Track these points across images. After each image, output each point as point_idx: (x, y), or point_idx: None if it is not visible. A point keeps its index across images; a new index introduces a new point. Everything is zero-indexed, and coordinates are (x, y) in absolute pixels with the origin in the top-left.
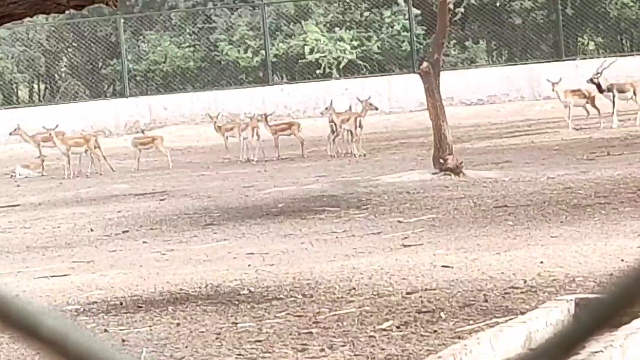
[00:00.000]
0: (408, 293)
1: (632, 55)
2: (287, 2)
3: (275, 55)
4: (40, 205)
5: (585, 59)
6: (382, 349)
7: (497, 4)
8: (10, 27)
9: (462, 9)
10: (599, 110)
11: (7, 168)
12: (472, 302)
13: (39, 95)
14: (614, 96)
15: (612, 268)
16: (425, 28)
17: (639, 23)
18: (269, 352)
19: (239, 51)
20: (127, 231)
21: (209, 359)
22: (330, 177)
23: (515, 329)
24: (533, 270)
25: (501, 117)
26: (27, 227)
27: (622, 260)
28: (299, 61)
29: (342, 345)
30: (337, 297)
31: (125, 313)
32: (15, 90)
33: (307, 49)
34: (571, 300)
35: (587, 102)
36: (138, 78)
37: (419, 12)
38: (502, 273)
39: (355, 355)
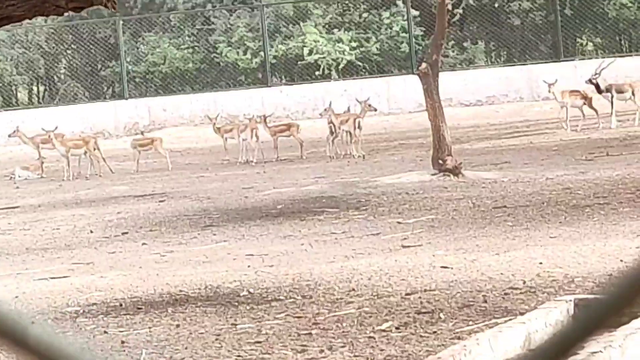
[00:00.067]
0: (407, 294)
1: (631, 55)
2: (286, 3)
3: (274, 57)
4: (39, 207)
5: (584, 59)
6: (382, 350)
7: (496, 5)
8: (9, 29)
9: (460, 10)
10: (596, 111)
11: (7, 170)
12: (472, 303)
13: (38, 97)
14: (612, 97)
15: (611, 268)
16: (424, 29)
17: (638, 23)
18: (269, 353)
19: (238, 53)
20: (126, 233)
21: None
22: (330, 178)
23: (515, 329)
24: (532, 271)
25: (500, 118)
26: (26, 229)
27: (621, 260)
28: (298, 62)
29: (342, 346)
30: (337, 298)
31: (124, 314)
32: (14, 92)
33: (306, 50)
34: (570, 300)
35: (584, 104)
36: (137, 80)
37: (417, 13)
38: (502, 274)
39: (355, 356)
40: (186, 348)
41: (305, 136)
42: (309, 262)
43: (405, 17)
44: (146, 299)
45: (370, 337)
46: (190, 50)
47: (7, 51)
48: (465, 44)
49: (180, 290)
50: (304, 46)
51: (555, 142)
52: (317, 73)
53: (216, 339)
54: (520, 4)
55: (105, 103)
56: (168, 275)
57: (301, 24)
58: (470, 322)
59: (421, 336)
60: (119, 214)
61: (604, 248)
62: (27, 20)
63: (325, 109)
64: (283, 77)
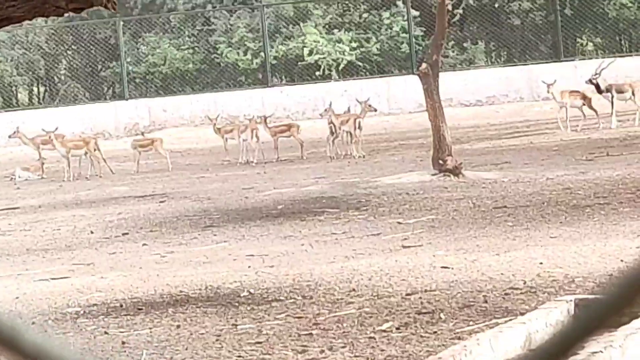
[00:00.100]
0: (408, 294)
1: (631, 55)
2: (286, 4)
3: (275, 57)
4: (40, 208)
5: (584, 59)
6: (382, 350)
7: (496, 5)
8: (9, 30)
9: (460, 10)
10: (596, 112)
11: (7, 171)
12: (472, 303)
13: (39, 98)
14: (612, 97)
15: (611, 268)
16: (424, 29)
17: (638, 23)
18: (269, 354)
19: (238, 53)
20: (127, 233)
21: None
22: (330, 179)
23: (515, 329)
24: (532, 271)
25: (500, 118)
26: (27, 230)
27: (622, 260)
28: (298, 63)
29: (342, 347)
30: (337, 299)
31: (125, 315)
32: (14, 93)
33: (306, 51)
34: (571, 300)
35: (584, 104)
36: (137, 80)
37: (417, 13)
38: (502, 274)
39: (355, 356)
40: (187, 349)
41: (305, 136)
42: (309, 262)
43: (406, 18)
44: (147, 299)
45: (370, 337)
46: (191, 50)
47: (8, 52)
48: (465, 44)
49: (181, 291)
50: (304, 46)
51: (555, 142)
52: (317, 73)
53: (217, 340)
54: (520, 4)
55: (106, 104)
56: (168, 276)
57: (301, 24)
58: (471, 322)
59: (422, 336)
60: (120, 215)
61: (604, 248)
62: (27, 21)
63: (325, 110)
64: (283, 77)
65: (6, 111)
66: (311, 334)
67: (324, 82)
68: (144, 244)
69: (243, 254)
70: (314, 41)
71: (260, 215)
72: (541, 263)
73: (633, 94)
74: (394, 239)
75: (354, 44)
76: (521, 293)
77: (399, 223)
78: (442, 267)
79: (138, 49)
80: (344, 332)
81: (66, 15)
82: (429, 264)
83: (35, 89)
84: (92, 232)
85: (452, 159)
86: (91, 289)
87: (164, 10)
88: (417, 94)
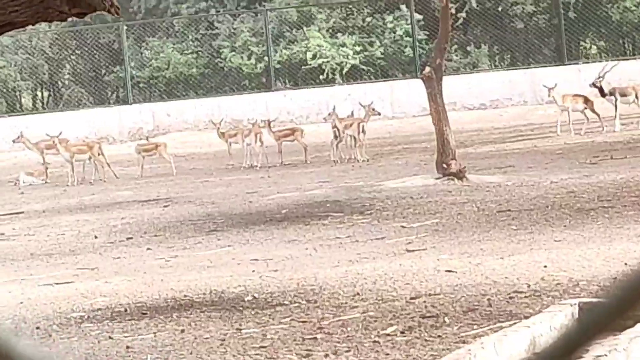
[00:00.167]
0: (412, 298)
1: (634, 58)
2: (290, 8)
3: (278, 61)
4: (44, 213)
5: (587, 63)
6: (387, 354)
7: (499, 9)
8: (13, 34)
9: (464, 14)
10: (598, 115)
11: (11, 175)
12: (476, 307)
13: (43, 103)
14: (616, 100)
15: (615, 272)
16: (427, 33)
17: None
18: (273, 358)
19: (242, 57)
20: (131, 238)
21: None
22: (334, 183)
23: (519, 333)
24: (537, 275)
25: (504, 122)
26: (31, 235)
27: (626, 264)
28: (302, 67)
29: (347, 351)
30: (341, 303)
31: (129, 320)
32: (18, 97)
33: (309, 55)
34: (575, 304)
35: (586, 107)
36: (141, 85)
37: (421, 17)
38: (506, 277)
39: None
40: (191, 353)
41: (309, 140)
42: (313, 266)
43: (409, 21)
44: (151, 304)
45: (375, 341)
46: (194, 55)
47: (11, 57)
48: (468, 48)
49: (185, 295)
50: (308, 51)
51: (559, 146)
52: (321, 77)
53: (221, 344)
54: (523, 8)
55: (110, 108)
56: (173, 281)
57: (305, 28)
58: (475, 326)
59: (426, 340)
60: (124, 219)
61: (608, 251)
62: (30, 26)
63: (329, 114)
64: (287, 81)
65: (10, 116)
66: (315, 338)
67: (328, 86)
68: (148, 249)
69: (247, 258)
70: (318, 45)
71: (264, 220)
72: (545, 266)
73: (636, 97)
74: (398, 243)
75: (357, 48)
76: (525, 297)
77: (403, 227)
78: (446, 270)
79: (142, 53)
80: (348, 336)
81: (69, 20)
82: (433, 267)
83: (39, 93)
84: (96, 237)
85: (456, 163)
86: (95, 293)
87: (167, 15)
88: (421, 98)
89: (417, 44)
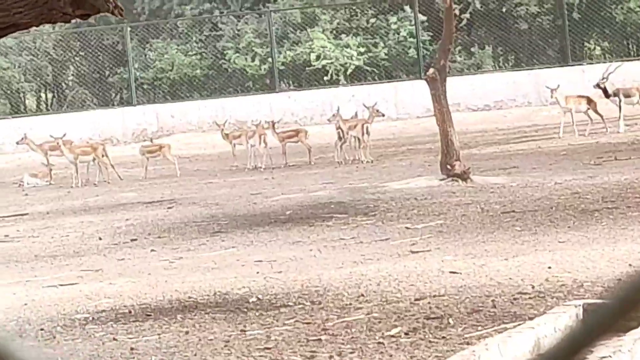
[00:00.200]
0: (416, 299)
1: (638, 59)
2: (294, 9)
3: (282, 63)
4: (48, 214)
5: (591, 64)
6: (391, 356)
7: (503, 10)
8: (17, 36)
9: (468, 15)
10: (601, 116)
11: (15, 177)
12: (481, 308)
13: (47, 104)
14: (620, 101)
15: (620, 273)
16: (431, 34)
17: None
18: (278, 359)
19: (245, 59)
20: (135, 239)
21: None
22: (338, 184)
23: (524, 334)
24: (541, 276)
25: (508, 123)
26: (35, 236)
27: (630, 265)
28: (306, 68)
29: (351, 352)
30: (346, 304)
31: (134, 321)
32: (22, 99)
33: (313, 56)
34: (579, 305)
35: (589, 108)
36: (145, 86)
37: (425, 18)
38: (510, 279)
39: None
40: (195, 354)
41: (313, 142)
42: (317, 268)
43: (413, 22)
44: (155, 305)
45: (379, 342)
46: (198, 56)
47: (15, 58)
48: (472, 49)
49: (189, 297)
50: (312, 52)
51: (563, 147)
52: (325, 78)
53: (225, 345)
54: (527, 9)
55: (113, 110)
56: (177, 282)
57: (309, 29)
58: (480, 327)
59: (430, 341)
60: (128, 221)
61: (612, 252)
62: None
63: (333, 115)
64: (291, 82)
65: (14, 117)
66: (320, 339)
67: (332, 87)
68: (152, 250)
69: (251, 259)
70: (322, 46)
71: (269, 221)
72: (550, 268)
73: None
74: (402, 244)
75: (361, 49)
76: (530, 298)
77: (407, 228)
78: (450, 272)
79: (145, 54)
80: (352, 337)
81: (73, 21)
82: (437, 269)
83: (43, 95)
84: (100, 239)
85: (460, 164)
86: (100, 295)
87: (171, 16)
88: (425, 99)
89: (421, 45)
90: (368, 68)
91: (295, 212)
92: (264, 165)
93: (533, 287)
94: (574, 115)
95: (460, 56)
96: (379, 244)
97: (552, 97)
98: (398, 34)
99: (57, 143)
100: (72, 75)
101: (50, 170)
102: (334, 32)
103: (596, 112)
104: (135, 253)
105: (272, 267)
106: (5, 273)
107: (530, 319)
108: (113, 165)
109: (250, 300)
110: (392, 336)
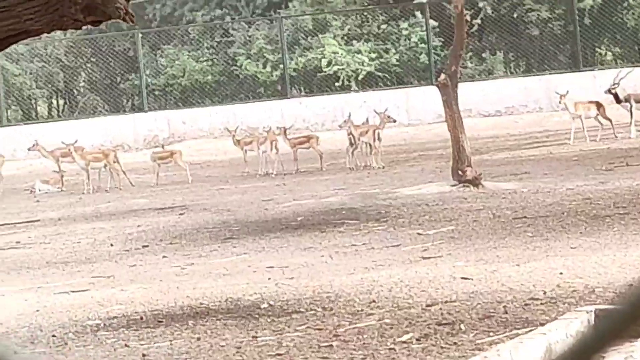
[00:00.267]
0: (428, 305)
1: None
2: (305, 15)
3: (294, 69)
4: (59, 221)
5: (603, 69)
6: None
7: (515, 15)
8: (28, 42)
9: (479, 21)
10: (611, 121)
11: (27, 183)
12: (492, 314)
13: (58, 111)
14: (631, 106)
15: (631, 278)
16: (442, 40)
17: None
18: None
19: (257, 65)
20: (146, 246)
21: None
22: (349, 190)
23: (535, 340)
24: (553, 282)
25: (519, 128)
26: (47, 243)
27: None
28: (317, 74)
29: (363, 358)
30: (357, 310)
31: (145, 328)
32: (34, 105)
33: (325, 62)
34: (591, 311)
35: (598, 114)
36: (156, 92)
37: (436, 24)
38: (522, 284)
39: None
40: None
41: (324, 148)
42: (329, 274)
43: (424, 28)
44: (167, 312)
45: (391, 348)
46: (210, 62)
47: (27, 65)
48: (484, 55)
49: (201, 303)
50: (323, 58)
51: (574, 153)
52: (336, 84)
53: (237, 352)
54: (539, 14)
55: (125, 116)
56: (188, 288)
57: (320, 35)
58: (491, 333)
59: (442, 347)
60: (139, 227)
61: (624, 258)
62: (45, 34)
63: (344, 121)
64: (302, 88)
65: (25, 124)
66: (331, 345)
67: (343, 93)
68: (163, 256)
69: (263, 265)
70: (333, 52)
71: (280, 227)
72: (561, 273)
73: None
74: (413, 250)
75: (372, 55)
76: (541, 304)
77: (419, 234)
78: (462, 278)
79: (157, 61)
80: (364, 343)
81: (85, 28)
82: (449, 274)
83: (54, 101)
84: (112, 245)
85: (472, 170)
86: (111, 301)
87: (182, 22)
88: (436, 105)
89: (433, 50)
90: (379, 74)
91: (307, 218)
92: (276, 171)
93: (545, 292)
94: (584, 121)
95: (471, 62)
96: (390, 249)
97: (560, 103)
98: (409, 39)
99: (69, 149)
100: (84, 81)
101: (62, 176)
102: (345, 38)
103: (605, 117)
104: (147, 259)
105: (283, 273)
106: (16, 279)
107: (542, 324)
108: (124, 171)
109: (262, 307)
110: (404, 342)
